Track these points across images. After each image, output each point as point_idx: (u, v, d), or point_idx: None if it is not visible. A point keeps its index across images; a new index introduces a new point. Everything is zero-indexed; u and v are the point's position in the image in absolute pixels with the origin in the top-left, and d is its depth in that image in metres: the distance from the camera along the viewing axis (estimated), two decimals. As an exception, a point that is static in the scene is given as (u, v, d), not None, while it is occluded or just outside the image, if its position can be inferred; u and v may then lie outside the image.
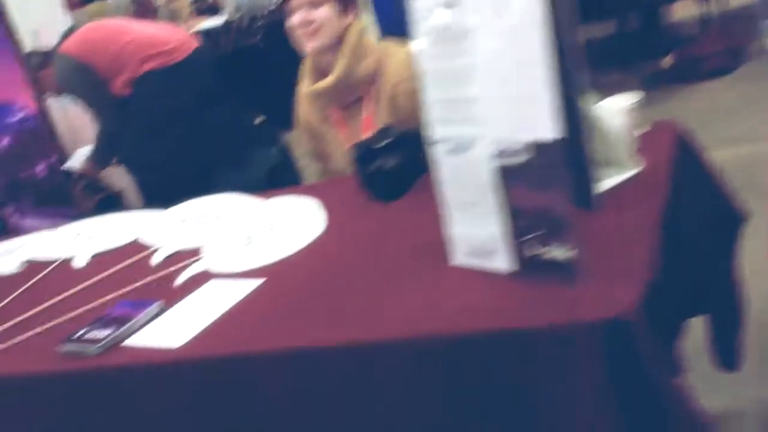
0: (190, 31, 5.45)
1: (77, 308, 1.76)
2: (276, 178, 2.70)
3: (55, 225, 2.49)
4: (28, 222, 2.57)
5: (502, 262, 1.40)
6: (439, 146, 1.45)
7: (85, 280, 1.91)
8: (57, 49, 3.01)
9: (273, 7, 5.69)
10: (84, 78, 2.84)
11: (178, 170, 2.80)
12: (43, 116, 2.48)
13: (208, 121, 2.81)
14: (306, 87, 2.21)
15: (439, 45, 1.40)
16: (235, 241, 1.87)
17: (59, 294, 1.87)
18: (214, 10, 5.89)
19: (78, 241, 2.17)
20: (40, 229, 2.52)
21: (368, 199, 1.89)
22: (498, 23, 1.29)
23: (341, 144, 2.23)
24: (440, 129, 1.44)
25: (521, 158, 1.30)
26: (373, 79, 2.14)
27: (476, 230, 1.43)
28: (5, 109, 2.48)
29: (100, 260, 2.03)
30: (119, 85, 2.93)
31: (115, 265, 1.95)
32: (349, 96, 2.16)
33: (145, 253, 1.97)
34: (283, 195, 2.07)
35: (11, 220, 2.57)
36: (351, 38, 2.12)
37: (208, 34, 5.52)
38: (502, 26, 1.29)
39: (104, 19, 3.37)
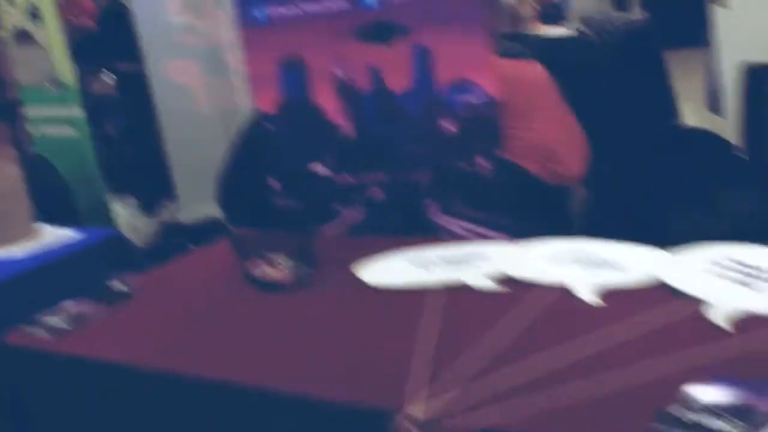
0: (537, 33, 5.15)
1: (616, 365, 1.32)
2: (751, 228, 2.18)
3: (487, 235, 2.12)
4: (450, 222, 2.19)
5: None
6: None
7: (608, 324, 1.47)
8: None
9: (625, 25, 5.23)
10: None
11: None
12: (496, 104, 2.08)
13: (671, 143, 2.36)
14: None
15: None
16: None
17: (570, 336, 1.45)
18: (557, 18, 5.46)
19: (564, 266, 1.74)
20: (468, 236, 2.15)
21: None
22: None
23: None
24: None
25: None
26: None
27: None
28: (461, 88, 2.11)
29: (614, 298, 1.59)
30: None
31: (639, 309, 1.50)
32: None
33: (691, 304, 1.51)
34: None
35: (433, 217, 2.20)
36: None
37: (550, 43, 5.13)
38: None
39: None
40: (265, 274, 1.92)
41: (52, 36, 3.74)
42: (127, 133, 6.42)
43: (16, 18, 3.94)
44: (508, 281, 1.73)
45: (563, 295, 1.63)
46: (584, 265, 1.73)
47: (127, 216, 4.99)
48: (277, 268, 1.92)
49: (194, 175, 5.45)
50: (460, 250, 1.94)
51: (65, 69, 3.76)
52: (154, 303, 1.97)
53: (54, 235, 2.66)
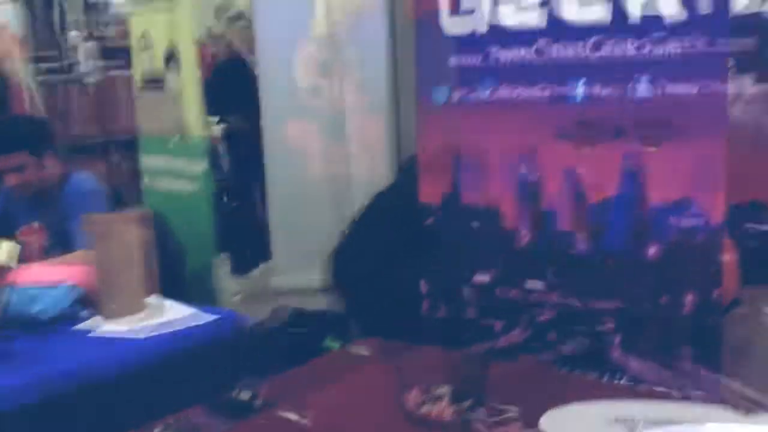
0: None
1: None
2: None
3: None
4: (634, 365, 1.82)
5: None
6: None
7: None
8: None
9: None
10: None
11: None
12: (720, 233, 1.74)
13: None
14: None
15: None
16: None
17: None
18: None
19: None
20: (659, 384, 1.77)
21: None
22: None
23: None
24: None
25: None
26: None
27: None
28: (678, 208, 1.77)
29: None
30: None
31: None
32: None
33: None
34: None
35: (613, 354, 1.84)
36: None
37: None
38: None
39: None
40: (425, 410, 1.58)
41: (187, 84, 3.53)
42: (230, 188, 6.24)
43: (149, 61, 3.77)
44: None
45: None
46: None
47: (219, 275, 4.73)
48: (440, 404, 1.58)
49: (294, 241, 5.18)
50: (667, 409, 1.57)
51: (195, 120, 3.53)
52: (283, 423, 1.65)
53: (166, 312, 2.37)
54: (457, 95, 2.01)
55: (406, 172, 3.81)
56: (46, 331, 2.26)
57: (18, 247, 2.17)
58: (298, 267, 5.28)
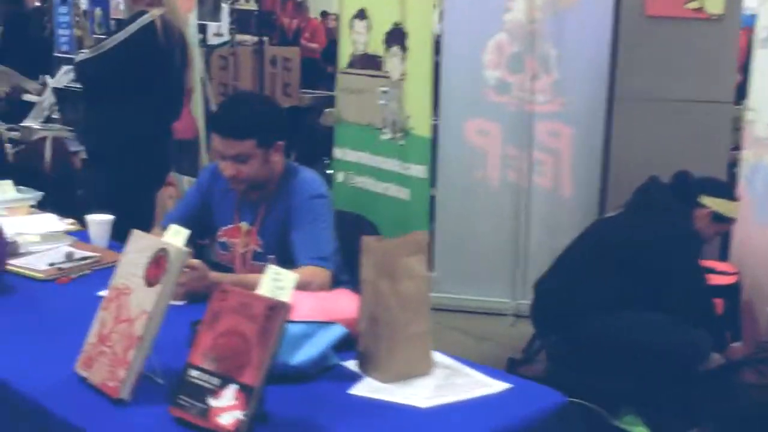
0: None
1: None
2: None
3: None
4: None
5: None
6: None
7: None
8: None
9: None
10: None
11: None
12: None
13: None
14: None
15: None
16: None
17: None
18: None
19: None
20: None
21: None
22: None
23: None
24: None
25: None
26: None
27: None
28: None
29: None
30: None
31: None
32: None
33: None
34: None
35: None
36: None
37: None
38: None
39: None
40: None
41: (414, 70, 2.93)
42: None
43: (364, 39, 3.19)
44: None
45: None
46: None
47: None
48: None
49: (460, 253, 4.57)
50: None
51: (421, 114, 2.93)
52: None
53: (460, 375, 1.77)
54: None
55: (641, 208, 3.16)
56: (305, 390, 1.69)
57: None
58: (462, 283, 4.67)
